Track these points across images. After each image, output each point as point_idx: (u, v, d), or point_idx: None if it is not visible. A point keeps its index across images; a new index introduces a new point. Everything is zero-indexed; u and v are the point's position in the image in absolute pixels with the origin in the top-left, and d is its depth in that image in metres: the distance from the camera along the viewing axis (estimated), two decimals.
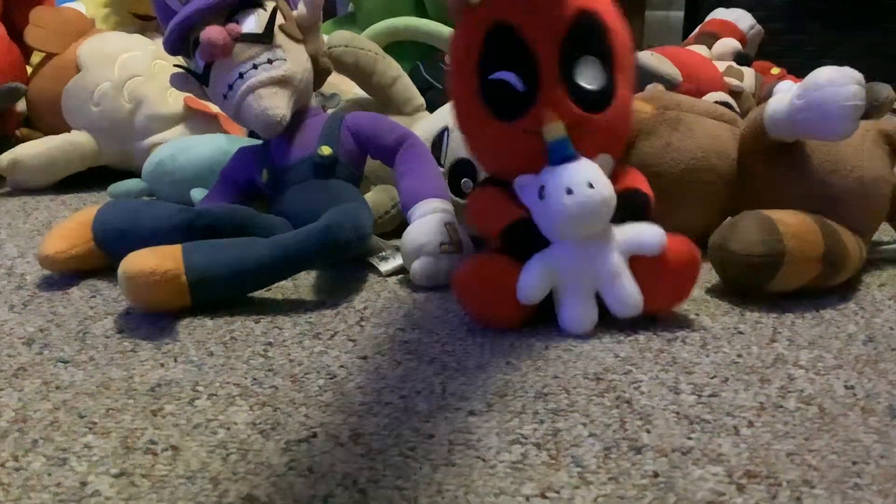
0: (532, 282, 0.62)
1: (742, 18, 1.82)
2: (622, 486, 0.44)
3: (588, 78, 0.63)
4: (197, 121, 1.20)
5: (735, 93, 1.37)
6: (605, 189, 0.61)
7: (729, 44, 1.64)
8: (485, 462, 0.46)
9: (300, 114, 0.83)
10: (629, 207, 0.64)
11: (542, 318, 0.64)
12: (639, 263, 0.63)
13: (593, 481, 0.44)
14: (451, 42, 0.66)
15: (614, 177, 0.64)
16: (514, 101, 0.63)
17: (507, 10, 0.62)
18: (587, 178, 0.60)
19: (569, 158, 0.61)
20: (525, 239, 0.63)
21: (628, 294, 0.63)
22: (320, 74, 0.87)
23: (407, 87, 0.98)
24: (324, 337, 0.64)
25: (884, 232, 0.86)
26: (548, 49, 0.62)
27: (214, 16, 0.79)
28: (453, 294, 0.65)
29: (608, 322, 0.64)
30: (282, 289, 0.75)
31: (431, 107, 0.97)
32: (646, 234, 0.63)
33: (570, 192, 0.60)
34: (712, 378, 0.56)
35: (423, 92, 1.01)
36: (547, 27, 0.62)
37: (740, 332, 0.64)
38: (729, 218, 0.73)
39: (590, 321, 0.63)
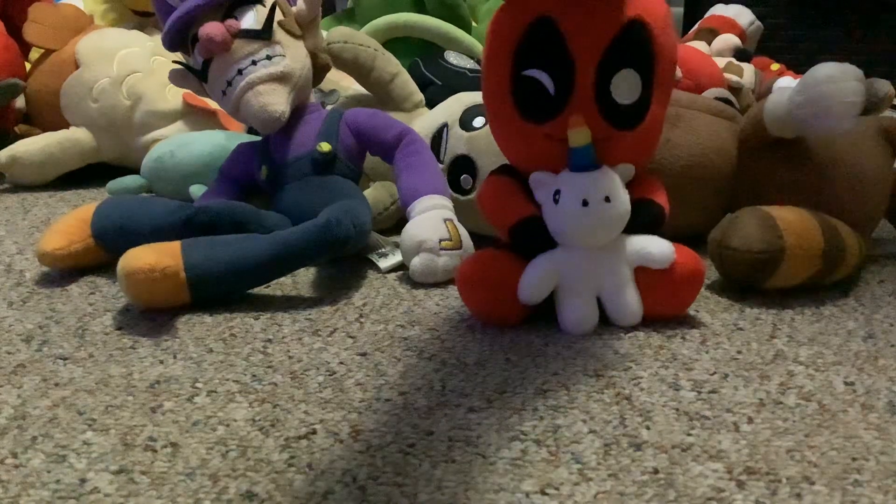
0: (534, 282, 0.62)
1: (742, 14, 1.82)
2: (622, 483, 0.44)
3: (623, 92, 0.60)
4: (196, 117, 1.20)
5: (735, 89, 1.37)
6: (621, 205, 0.60)
7: (728, 40, 1.64)
8: (484, 458, 0.46)
9: (299, 110, 0.83)
10: (643, 218, 0.63)
11: (542, 315, 0.64)
12: (644, 272, 0.62)
13: (593, 478, 0.44)
14: (490, 26, 0.63)
15: (633, 184, 0.63)
16: (542, 104, 0.61)
17: (553, 5, 0.59)
18: (605, 192, 0.59)
19: (589, 167, 0.60)
20: (533, 237, 0.63)
21: (629, 305, 0.63)
22: (319, 71, 0.87)
23: (406, 83, 0.98)
24: (323, 334, 0.64)
25: (883, 228, 0.86)
26: (588, 55, 0.59)
27: (213, 12, 0.79)
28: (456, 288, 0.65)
29: (608, 319, 0.64)
30: (281, 285, 0.75)
31: (431, 103, 0.97)
32: (655, 248, 0.62)
33: (585, 203, 0.59)
34: (712, 374, 0.56)
35: (422, 88, 1.01)
36: (592, 31, 0.59)
37: (740, 329, 0.64)
38: (728, 214, 0.73)
39: (590, 323, 0.63)
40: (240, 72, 0.78)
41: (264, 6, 0.80)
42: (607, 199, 0.59)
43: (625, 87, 0.60)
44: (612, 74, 0.60)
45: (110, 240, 0.73)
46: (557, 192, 0.61)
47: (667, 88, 0.63)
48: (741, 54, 1.60)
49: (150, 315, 0.67)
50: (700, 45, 1.56)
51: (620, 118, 0.61)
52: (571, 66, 0.59)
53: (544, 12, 0.59)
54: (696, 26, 1.80)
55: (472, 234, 0.77)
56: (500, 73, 0.62)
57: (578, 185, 0.60)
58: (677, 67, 1.18)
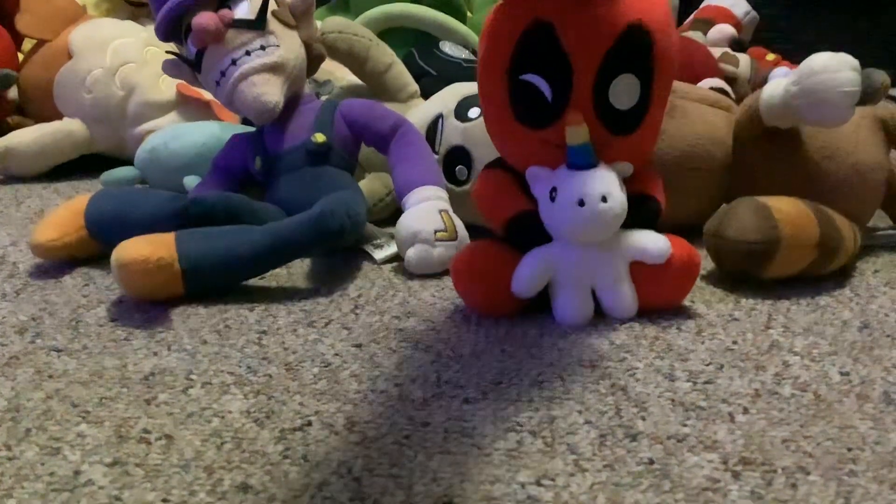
0: (528, 275, 0.62)
1: (737, 4, 1.82)
2: (617, 474, 0.44)
3: (621, 98, 0.59)
4: (190, 108, 1.19)
5: (730, 79, 1.36)
6: (618, 205, 0.59)
7: (724, 30, 1.63)
8: (480, 450, 0.46)
9: (294, 101, 0.82)
10: (639, 213, 0.62)
11: (538, 306, 0.64)
12: (639, 263, 0.62)
13: (589, 468, 0.44)
14: (486, 27, 0.61)
15: (630, 177, 0.62)
16: (539, 110, 0.60)
17: (551, 10, 0.57)
18: (602, 192, 0.59)
19: (587, 165, 0.60)
20: (529, 231, 0.63)
21: (624, 300, 0.63)
22: (314, 61, 0.86)
23: (401, 73, 0.98)
24: (318, 325, 0.64)
25: (879, 218, 0.86)
26: (587, 60, 0.58)
27: (206, 2, 0.78)
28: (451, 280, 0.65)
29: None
30: (276, 277, 0.75)
31: (426, 94, 0.97)
32: (651, 243, 0.61)
33: (581, 203, 0.59)
34: (707, 365, 0.56)
35: (417, 79, 1.01)
36: (591, 36, 0.57)
37: (735, 319, 0.64)
38: (724, 205, 0.72)
39: (585, 315, 0.63)
40: (234, 62, 0.78)
41: None
42: (604, 199, 0.59)
43: (624, 92, 0.59)
44: (611, 80, 0.59)
45: (104, 231, 0.73)
46: (554, 190, 0.60)
47: (666, 91, 0.62)
48: (737, 44, 1.59)
49: (145, 307, 0.67)
50: (695, 35, 1.56)
51: (618, 123, 0.60)
52: (569, 73, 0.58)
53: (542, 16, 0.58)
54: (692, 17, 1.79)
55: (468, 225, 0.77)
56: (495, 76, 0.61)
57: (575, 184, 0.59)
58: None
